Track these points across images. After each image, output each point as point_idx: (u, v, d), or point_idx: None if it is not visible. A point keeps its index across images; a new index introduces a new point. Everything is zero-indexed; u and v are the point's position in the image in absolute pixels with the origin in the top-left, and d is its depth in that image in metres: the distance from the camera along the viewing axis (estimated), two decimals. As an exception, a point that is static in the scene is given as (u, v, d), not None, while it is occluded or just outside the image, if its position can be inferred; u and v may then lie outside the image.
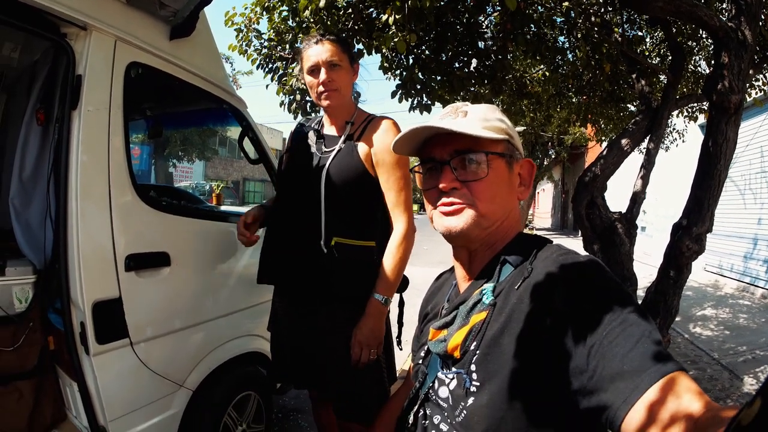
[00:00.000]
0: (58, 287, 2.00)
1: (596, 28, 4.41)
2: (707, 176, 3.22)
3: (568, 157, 25.47)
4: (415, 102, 4.19)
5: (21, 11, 1.83)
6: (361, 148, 2.17)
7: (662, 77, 5.45)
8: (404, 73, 4.20)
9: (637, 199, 4.07)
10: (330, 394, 2.30)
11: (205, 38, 2.72)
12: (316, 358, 2.23)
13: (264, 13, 4.18)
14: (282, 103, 4.45)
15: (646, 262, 11.68)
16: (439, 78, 4.20)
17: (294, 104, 4.37)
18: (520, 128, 12.59)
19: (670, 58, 5.08)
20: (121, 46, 2.15)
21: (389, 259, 2.14)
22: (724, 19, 3.50)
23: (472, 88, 4.48)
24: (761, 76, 5.70)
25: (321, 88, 2.14)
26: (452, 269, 1.35)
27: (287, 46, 4.17)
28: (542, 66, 5.68)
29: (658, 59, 6.10)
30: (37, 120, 2.31)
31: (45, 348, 2.27)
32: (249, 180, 38.08)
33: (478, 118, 1.11)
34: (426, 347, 1.23)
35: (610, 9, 4.85)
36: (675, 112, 6.34)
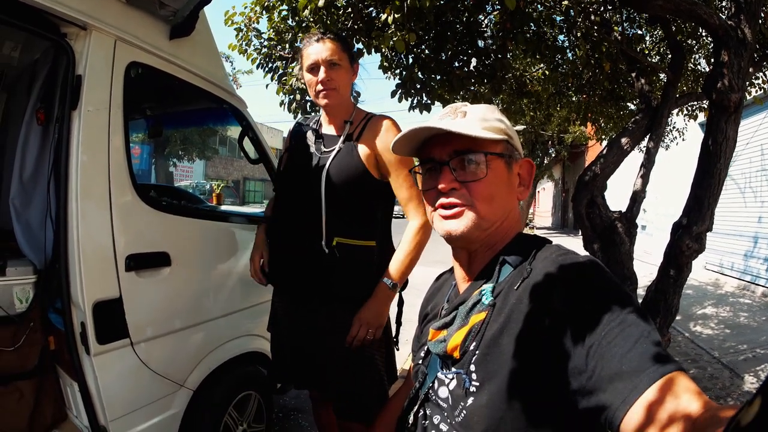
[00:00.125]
0: (58, 287, 2.00)
1: (596, 27, 4.42)
2: (707, 175, 3.22)
3: (568, 155, 25.47)
4: (415, 101, 4.19)
5: (21, 11, 1.83)
6: (362, 147, 2.17)
7: (662, 76, 5.44)
8: (404, 73, 4.19)
9: (637, 198, 4.07)
10: (330, 393, 2.30)
11: (205, 38, 2.71)
12: (316, 358, 2.24)
13: (264, 12, 4.17)
14: (282, 103, 4.45)
15: (647, 260, 11.68)
16: (438, 77, 4.19)
17: (294, 104, 4.37)
18: (520, 127, 12.60)
19: (669, 56, 5.07)
20: (121, 45, 2.15)
21: (402, 248, 2.17)
22: (724, 17, 3.49)
23: (472, 87, 4.47)
24: (761, 74, 5.69)
25: (320, 87, 2.14)
26: (452, 270, 1.35)
27: (287, 46, 4.16)
28: (542, 65, 5.68)
29: (657, 58, 6.09)
30: (38, 120, 2.31)
31: (45, 348, 2.27)
32: (249, 179, 38.07)
33: (477, 119, 1.11)
34: (426, 347, 1.23)
35: (610, 7, 4.85)
36: (675, 111, 6.33)
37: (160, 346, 2.28)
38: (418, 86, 4.12)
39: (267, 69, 4.57)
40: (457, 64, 4.19)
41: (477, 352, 1.02)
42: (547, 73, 5.48)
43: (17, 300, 2.21)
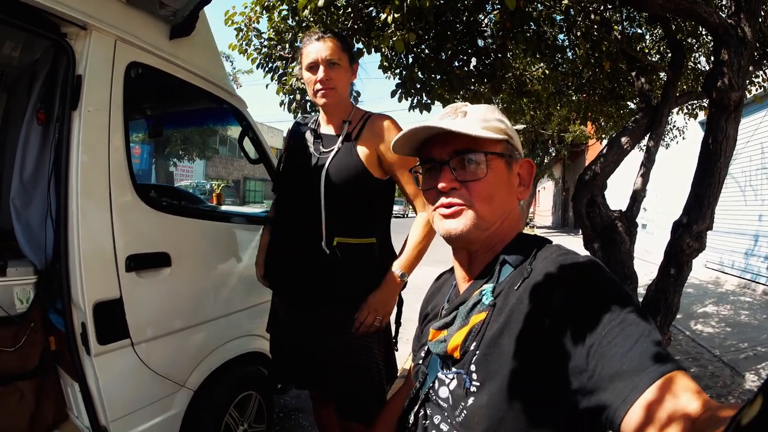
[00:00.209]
0: (58, 288, 2.00)
1: (596, 26, 4.42)
2: (707, 174, 3.22)
3: (569, 154, 25.48)
4: (415, 101, 4.19)
5: (21, 11, 1.83)
6: (361, 147, 2.17)
7: (662, 74, 5.44)
8: (404, 72, 4.20)
9: (637, 197, 4.07)
10: (330, 393, 2.30)
11: (205, 38, 2.71)
12: (315, 358, 2.24)
13: (264, 12, 4.18)
14: (282, 103, 4.45)
15: (647, 259, 11.69)
16: (438, 77, 4.20)
17: (294, 104, 4.37)
18: (520, 126, 12.59)
19: (669, 55, 5.07)
20: (121, 45, 2.15)
21: (412, 239, 2.20)
22: (724, 15, 3.49)
23: (472, 87, 4.47)
24: (761, 72, 5.69)
25: (318, 86, 2.15)
26: (452, 269, 1.35)
27: (287, 46, 4.17)
28: (542, 64, 5.67)
29: (657, 56, 6.09)
30: (38, 120, 2.31)
31: (46, 348, 2.27)
32: (250, 179, 38.06)
33: (477, 119, 1.11)
34: (426, 347, 1.24)
35: (610, 7, 4.85)
36: (675, 110, 6.33)
37: (160, 347, 2.28)
38: (418, 86, 4.12)
39: (267, 69, 4.58)
40: (457, 64, 4.19)
41: (477, 352, 1.02)
42: (547, 72, 5.48)
43: (18, 300, 2.21)
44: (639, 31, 5.58)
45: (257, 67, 4.59)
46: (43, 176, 2.24)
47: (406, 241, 2.24)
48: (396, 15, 3.11)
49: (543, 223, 39.55)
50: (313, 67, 2.16)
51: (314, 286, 2.18)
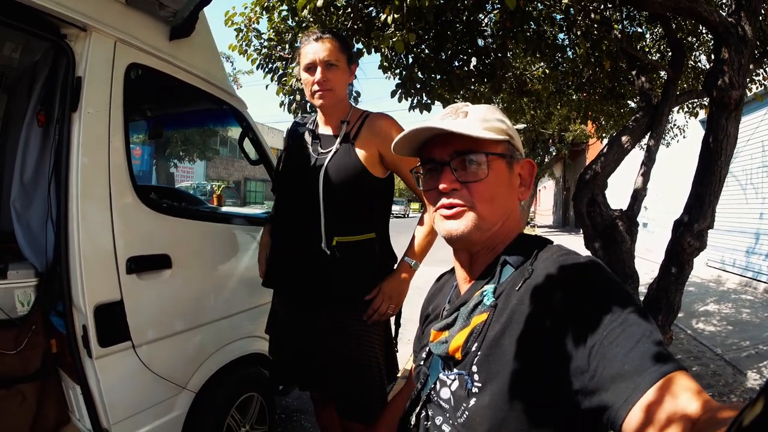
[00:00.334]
0: (59, 290, 2.00)
1: (596, 25, 4.41)
2: (708, 172, 3.21)
3: (569, 154, 25.49)
4: (415, 101, 4.19)
5: (21, 12, 1.83)
6: (360, 147, 2.18)
7: (662, 73, 5.44)
8: (404, 73, 4.19)
9: (637, 196, 4.07)
10: (330, 393, 2.30)
11: (205, 39, 2.71)
12: (316, 358, 2.24)
13: (264, 12, 4.18)
14: (282, 104, 4.45)
15: (648, 258, 11.68)
16: (438, 77, 4.19)
17: (294, 104, 4.37)
18: (520, 126, 12.58)
19: (670, 54, 5.06)
20: (121, 47, 2.15)
21: (422, 229, 2.24)
22: (724, 14, 3.49)
23: (472, 87, 4.47)
24: (761, 70, 5.68)
25: (315, 87, 2.15)
26: (453, 270, 1.35)
27: (287, 46, 4.16)
28: (542, 63, 5.67)
29: (658, 55, 6.08)
30: (38, 121, 2.31)
31: (48, 351, 2.27)
32: (250, 180, 38.04)
33: (478, 119, 1.11)
34: (427, 348, 1.23)
35: (610, 6, 4.85)
36: (675, 108, 6.32)
37: (162, 349, 2.28)
38: (418, 86, 4.12)
39: (267, 69, 4.58)
40: (457, 64, 4.19)
41: (479, 353, 1.02)
42: (547, 71, 5.48)
43: (19, 303, 2.21)
44: (639, 29, 5.57)
45: (257, 67, 4.59)
46: (44, 178, 2.23)
47: (415, 233, 2.28)
48: (396, 15, 3.10)
49: (544, 222, 39.53)
50: (310, 68, 2.16)
51: (314, 286, 2.18)
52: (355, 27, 3.70)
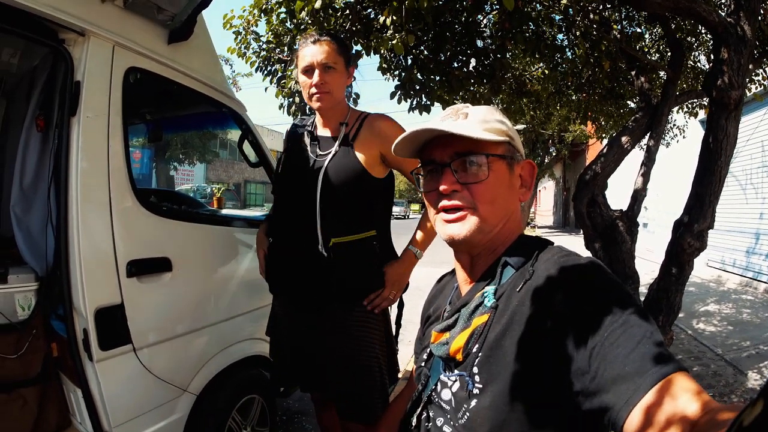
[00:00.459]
0: (60, 294, 2.00)
1: (595, 26, 4.41)
2: (708, 173, 3.21)
3: (569, 154, 25.51)
4: (414, 102, 4.20)
5: (18, 17, 1.83)
6: (359, 148, 2.18)
7: (662, 73, 5.43)
8: (403, 74, 4.20)
9: (637, 196, 4.06)
10: (331, 394, 2.30)
11: (204, 42, 2.71)
12: (316, 359, 2.24)
13: (262, 15, 4.18)
14: (281, 106, 4.45)
15: (649, 258, 11.68)
16: (437, 78, 4.20)
17: (293, 107, 4.37)
18: (520, 126, 12.60)
19: (669, 54, 5.07)
20: (120, 51, 2.15)
21: (426, 220, 2.26)
22: (723, 14, 3.49)
23: (472, 88, 4.48)
24: (761, 70, 5.68)
25: (313, 90, 2.15)
26: (453, 272, 1.35)
27: (285, 49, 4.17)
28: (541, 64, 5.66)
29: (657, 56, 6.09)
30: (37, 126, 2.31)
31: (48, 355, 2.26)
32: (250, 182, 38.01)
33: (478, 120, 1.11)
34: (428, 350, 1.23)
35: (609, 6, 4.85)
36: (675, 108, 6.32)
37: (162, 352, 2.28)
38: (418, 87, 4.13)
39: (266, 72, 4.58)
40: (456, 65, 4.20)
41: (480, 354, 1.03)
42: (546, 72, 5.48)
43: (19, 307, 2.21)
44: (638, 30, 5.57)
45: (256, 70, 4.59)
46: (43, 183, 2.23)
47: (419, 224, 2.32)
48: (394, 17, 3.11)
49: (544, 222, 39.54)
50: (308, 71, 2.16)
51: (314, 287, 2.18)
52: (354, 29, 3.71)
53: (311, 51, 2.14)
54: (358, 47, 3.86)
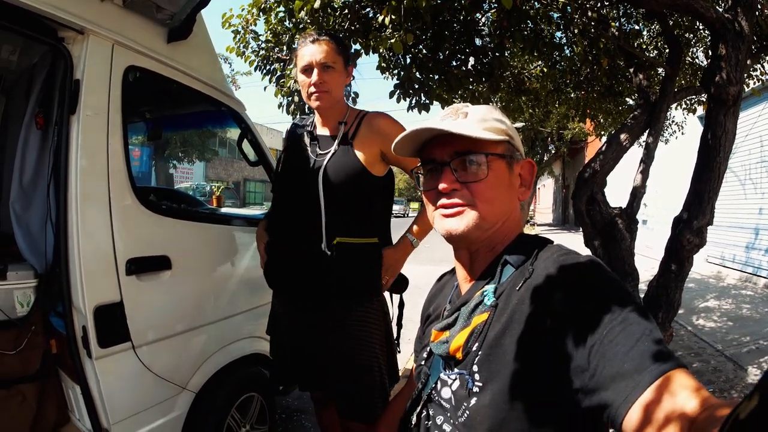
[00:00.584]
0: (59, 291, 2.01)
1: (593, 23, 4.41)
2: (707, 169, 3.22)
3: (568, 151, 25.51)
4: (413, 101, 4.19)
5: (17, 15, 1.83)
6: (358, 146, 2.19)
7: (660, 70, 5.44)
8: (402, 73, 4.20)
9: (637, 193, 4.06)
10: (331, 392, 2.30)
11: (203, 41, 2.71)
12: (316, 357, 2.24)
13: (261, 14, 4.18)
14: (280, 105, 4.45)
15: (648, 255, 11.68)
16: (436, 77, 4.20)
17: (292, 105, 4.37)
18: (519, 124, 12.60)
19: (667, 50, 5.07)
20: (119, 49, 2.15)
21: (425, 213, 2.24)
22: (721, 10, 3.49)
23: (470, 86, 4.48)
24: (759, 66, 5.68)
25: (312, 89, 2.16)
26: (453, 270, 1.35)
27: (284, 48, 4.17)
28: (540, 62, 5.66)
29: (655, 52, 6.08)
30: (37, 124, 2.31)
31: (47, 351, 2.27)
32: (250, 180, 37.96)
33: (478, 119, 1.11)
34: (428, 348, 1.24)
35: (607, 3, 4.85)
36: (674, 105, 6.32)
37: (162, 350, 2.28)
38: (416, 86, 4.12)
39: (265, 71, 4.58)
40: (454, 64, 4.20)
41: (480, 352, 1.03)
42: (545, 70, 5.48)
43: (18, 304, 2.21)
44: (636, 27, 5.56)
45: (255, 69, 4.58)
46: (43, 180, 2.24)
47: (418, 215, 2.36)
48: (393, 16, 3.11)
49: (543, 220, 39.55)
50: (307, 70, 2.17)
51: (315, 286, 2.18)
52: (353, 28, 3.71)
53: (310, 50, 2.14)
54: (357, 46, 3.86)
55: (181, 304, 2.42)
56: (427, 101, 4.22)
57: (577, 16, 4.26)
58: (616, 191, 7.43)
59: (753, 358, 5.18)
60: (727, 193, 9.02)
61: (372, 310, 2.23)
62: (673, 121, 9.17)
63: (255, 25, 4.45)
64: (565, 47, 5.01)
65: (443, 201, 1.12)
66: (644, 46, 6.02)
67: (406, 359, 4.71)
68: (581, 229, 4.23)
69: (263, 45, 4.46)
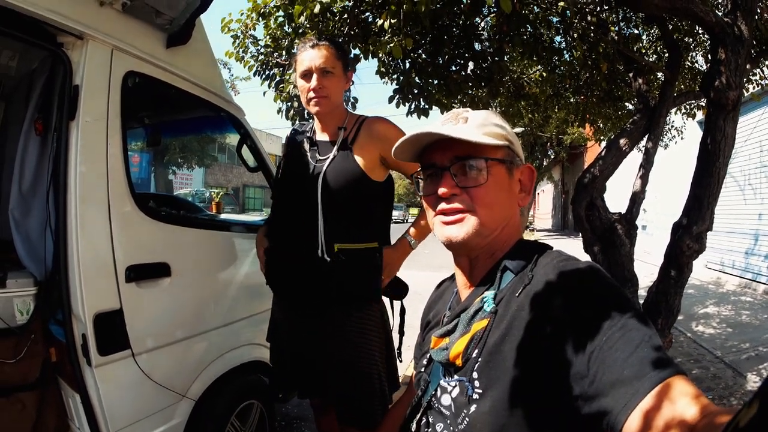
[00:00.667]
0: (59, 299, 2.00)
1: (592, 28, 4.42)
2: (706, 174, 3.21)
3: (568, 157, 25.51)
4: (413, 106, 4.20)
5: (17, 20, 1.83)
6: (358, 151, 2.19)
7: (659, 75, 5.44)
8: (401, 78, 4.20)
9: (636, 199, 4.06)
10: (330, 398, 2.30)
11: (202, 46, 2.71)
12: (316, 364, 2.24)
13: (260, 19, 4.18)
14: (280, 110, 4.45)
15: (647, 260, 11.69)
16: (436, 81, 4.20)
17: (291, 111, 4.37)
18: (518, 129, 12.62)
19: (666, 55, 5.08)
20: (118, 55, 2.15)
21: (423, 216, 2.24)
22: (720, 14, 3.50)
23: (470, 91, 4.48)
24: (758, 70, 5.69)
25: (311, 94, 2.16)
26: (453, 277, 1.35)
27: (284, 53, 4.17)
28: (539, 67, 5.67)
29: (654, 57, 6.09)
30: (36, 130, 2.31)
31: (47, 360, 2.26)
32: (249, 186, 38.01)
33: (478, 124, 1.11)
34: (428, 355, 1.23)
35: (606, 8, 4.86)
36: (673, 110, 6.33)
37: (161, 357, 2.27)
38: (416, 91, 4.13)
39: (264, 76, 4.58)
40: (454, 68, 4.20)
41: (479, 359, 1.02)
42: (544, 74, 5.49)
43: (18, 312, 2.20)
44: (636, 31, 5.58)
45: (254, 74, 4.59)
46: (42, 186, 2.23)
47: (417, 218, 2.37)
48: (392, 20, 3.11)
49: (543, 226, 39.57)
50: (306, 75, 2.17)
51: (314, 292, 2.18)
52: (352, 33, 3.71)
53: (309, 55, 2.14)
54: (357, 51, 3.87)
55: (181, 312, 2.41)
56: (427, 106, 4.23)
57: (576, 21, 4.27)
58: (616, 196, 7.44)
59: (752, 365, 5.17)
60: (727, 199, 9.03)
61: (371, 317, 2.22)
62: (672, 126, 9.18)
63: (254, 29, 4.46)
64: (565, 52, 5.02)
65: (443, 206, 1.12)
66: (644, 51, 6.03)
67: (405, 366, 4.71)
68: (580, 235, 4.23)
69: (262, 50, 4.46)
